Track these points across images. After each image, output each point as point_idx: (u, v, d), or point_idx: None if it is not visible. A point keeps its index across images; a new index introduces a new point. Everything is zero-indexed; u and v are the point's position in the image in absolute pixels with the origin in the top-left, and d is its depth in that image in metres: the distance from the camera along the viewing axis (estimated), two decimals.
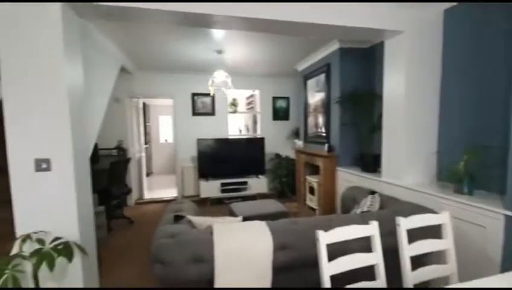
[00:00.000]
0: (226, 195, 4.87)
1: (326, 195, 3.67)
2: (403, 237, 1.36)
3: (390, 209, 2.03)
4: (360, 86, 3.35)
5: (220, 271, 1.46)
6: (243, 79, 5.15)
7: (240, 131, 5.73)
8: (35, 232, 1.68)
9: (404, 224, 1.38)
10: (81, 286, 1.82)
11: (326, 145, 3.59)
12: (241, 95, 6.34)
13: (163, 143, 8.73)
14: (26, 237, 1.61)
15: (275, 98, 5.55)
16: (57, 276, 1.76)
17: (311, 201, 4.16)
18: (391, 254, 1.39)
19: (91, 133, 2.75)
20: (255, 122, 6.38)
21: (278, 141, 5.57)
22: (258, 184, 5.01)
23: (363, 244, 1.34)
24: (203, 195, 4.74)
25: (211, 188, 4.79)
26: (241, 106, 6.34)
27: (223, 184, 4.84)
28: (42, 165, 1.70)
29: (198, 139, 4.90)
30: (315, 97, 4.14)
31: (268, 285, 1.54)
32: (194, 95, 5.11)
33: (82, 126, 1.95)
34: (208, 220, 1.91)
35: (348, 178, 3.28)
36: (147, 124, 7.72)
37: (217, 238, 1.52)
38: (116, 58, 3.72)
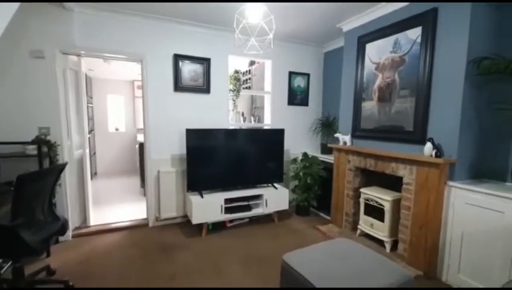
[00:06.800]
0: (231, 216, 3.16)
1: (418, 225, 2.31)
2: None
3: None
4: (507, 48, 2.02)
5: None
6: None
7: (244, 119, 3.96)
8: None
9: None
10: None
11: (428, 146, 2.17)
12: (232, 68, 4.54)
13: (112, 133, 6.41)
14: None
15: (291, 74, 3.94)
16: None
17: (374, 228, 2.77)
18: None
19: None
20: (255, 107, 4.71)
21: (295, 135, 4.00)
22: (276, 197, 3.37)
23: None
24: (196, 220, 2.94)
25: (209, 208, 2.99)
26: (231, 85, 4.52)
27: (227, 200, 3.10)
28: None
29: (188, 130, 3.04)
30: (383, 70, 2.70)
31: None
32: (177, 57, 3.18)
33: None
34: None
35: (476, 201, 1.93)
36: (89, 105, 5.38)
37: None
38: None
